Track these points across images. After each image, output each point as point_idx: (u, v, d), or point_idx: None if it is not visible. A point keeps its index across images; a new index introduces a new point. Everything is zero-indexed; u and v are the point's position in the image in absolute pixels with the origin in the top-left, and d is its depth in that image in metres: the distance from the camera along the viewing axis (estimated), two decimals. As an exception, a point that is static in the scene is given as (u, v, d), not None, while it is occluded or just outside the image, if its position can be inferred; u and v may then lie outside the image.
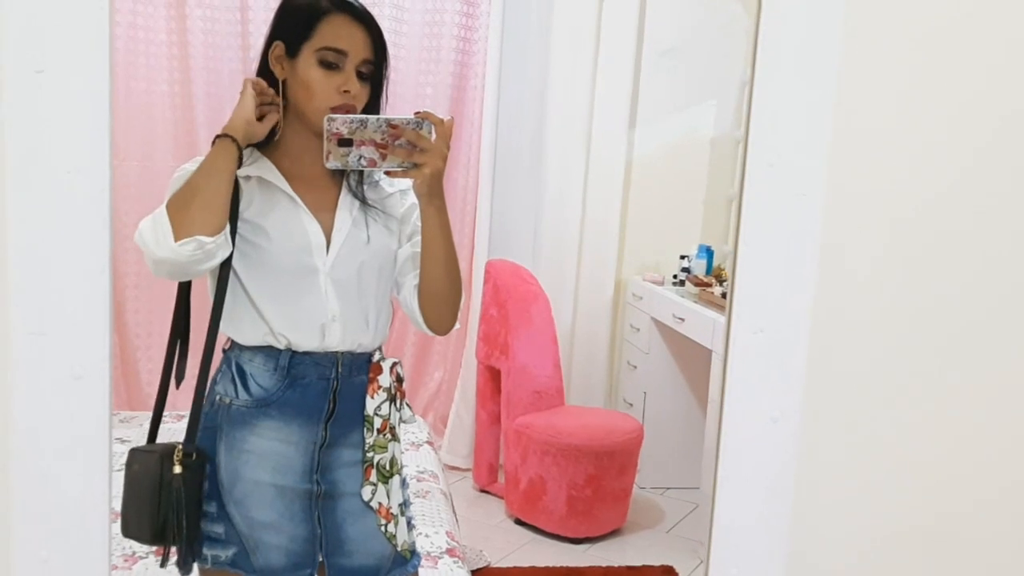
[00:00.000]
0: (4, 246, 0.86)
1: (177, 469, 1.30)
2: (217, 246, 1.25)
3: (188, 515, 1.31)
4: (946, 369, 1.06)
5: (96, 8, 0.81)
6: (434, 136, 1.26)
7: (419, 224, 1.43)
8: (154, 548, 1.37)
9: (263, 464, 1.35)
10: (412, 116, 1.25)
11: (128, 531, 1.34)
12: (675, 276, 3.81)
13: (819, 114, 0.93)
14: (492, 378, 3.48)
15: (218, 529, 1.36)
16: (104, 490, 0.89)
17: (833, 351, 1.01)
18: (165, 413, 1.43)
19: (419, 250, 1.39)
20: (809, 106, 0.92)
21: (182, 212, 1.23)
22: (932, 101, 1.01)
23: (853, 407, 1.03)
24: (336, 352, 1.37)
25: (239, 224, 1.33)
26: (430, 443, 2.92)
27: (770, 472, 0.97)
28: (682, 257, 3.85)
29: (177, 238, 1.21)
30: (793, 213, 0.94)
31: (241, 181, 1.34)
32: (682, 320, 3.39)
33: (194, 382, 1.37)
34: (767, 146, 0.92)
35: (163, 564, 1.35)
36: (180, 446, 1.32)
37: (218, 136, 1.28)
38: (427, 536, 2.19)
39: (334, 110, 1.30)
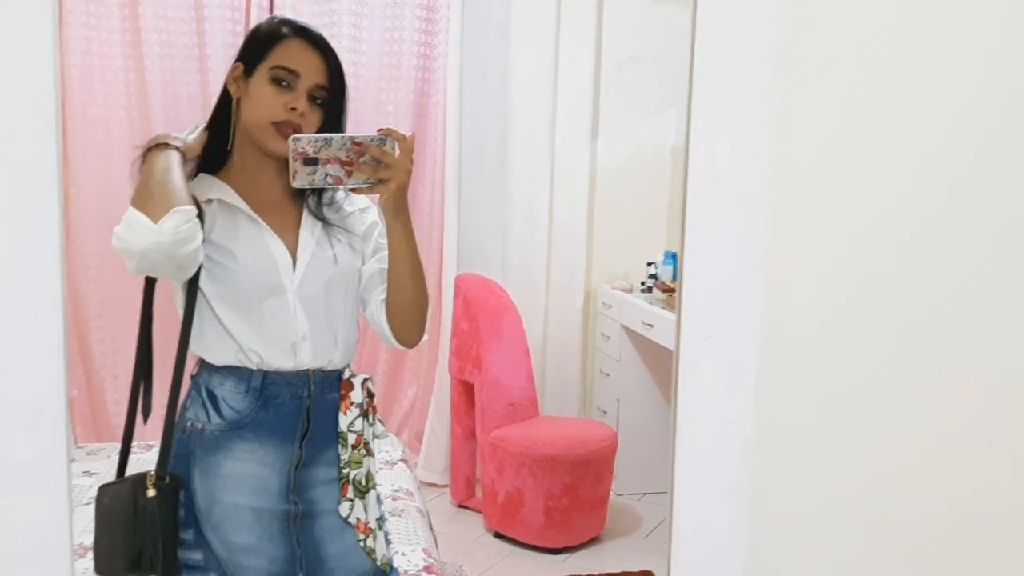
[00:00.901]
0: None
1: (151, 492, 1.29)
2: (197, 225, 1.24)
3: (165, 540, 1.30)
4: (895, 368, 1.08)
5: (42, 43, 0.81)
6: (398, 152, 1.28)
7: (381, 241, 1.45)
8: None
9: (240, 487, 1.35)
10: (375, 133, 1.27)
11: (100, 567, 1.33)
12: (643, 283, 3.84)
13: (759, 120, 0.95)
14: (466, 392, 3.48)
15: (196, 556, 1.35)
16: (65, 526, 0.88)
17: (784, 353, 1.03)
18: (133, 443, 1.41)
19: (385, 266, 1.41)
20: (749, 113, 0.94)
21: (151, 200, 1.22)
22: (871, 106, 1.03)
23: (806, 408, 1.05)
24: (307, 370, 1.38)
25: (205, 246, 1.32)
26: (404, 461, 2.91)
27: (726, 474, 0.98)
28: (649, 264, 3.88)
29: (156, 220, 1.20)
30: (737, 220, 0.96)
31: (203, 205, 1.34)
32: (651, 326, 3.41)
33: (163, 411, 1.36)
34: (708, 155, 0.94)
35: None
36: (152, 471, 1.31)
37: (147, 150, 1.31)
38: (404, 554, 2.18)
39: (278, 126, 1.32)
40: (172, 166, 1.28)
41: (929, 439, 1.09)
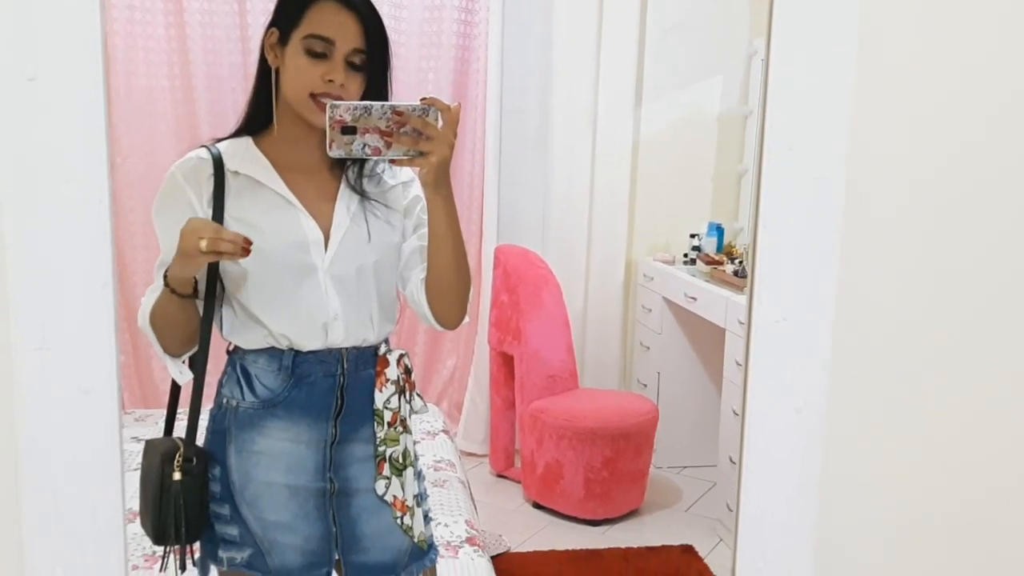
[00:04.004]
0: (3, 261, 0.84)
1: (177, 476, 1.29)
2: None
3: (189, 519, 1.30)
4: (975, 354, 1.02)
5: (88, 12, 0.79)
6: (440, 123, 1.22)
7: (423, 217, 1.40)
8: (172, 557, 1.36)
9: (274, 465, 1.34)
10: (418, 103, 1.21)
11: (142, 522, 1.35)
12: (686, 255, 3.78)
13: (838, 94, 0.89)
14: (505, 363, 3.47)
15: (232, 531, 1.36)
16: (117, 503, 0.88)
17: (858, 338, 0.98)
18: (183, 409, 1.41)
19: (425, 243, 1.36)
20: (827, 86, 0.89)
21: (162, 338, 1.32)
22: (956, 78, 0.97)
23: (880, 395, 1.00)
24: (340, 349, 1.35)
25: (227, 222, 1.30)
26: (446, 431, 2.91)
27: (796, 463, 0.94)
28: (692, 236, 3.82)
29: (168, 353, 1.34)
30: (813, 197, 0.90)
31: (229, 176, 1.31)
32: (694, 299, 3.37)
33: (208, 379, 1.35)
34: (785, 128, 0.89)
35: (162, 568, 1.34)
36: (181, 451, 1.31)
37: (165, 278, 1.29)
38: (446, 525, 2.19)
39: (317, 98, 1.27)
40: (177, 317, 1.31)
41: (1016, 427, 1.04)
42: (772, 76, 0.87)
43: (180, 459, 1.30)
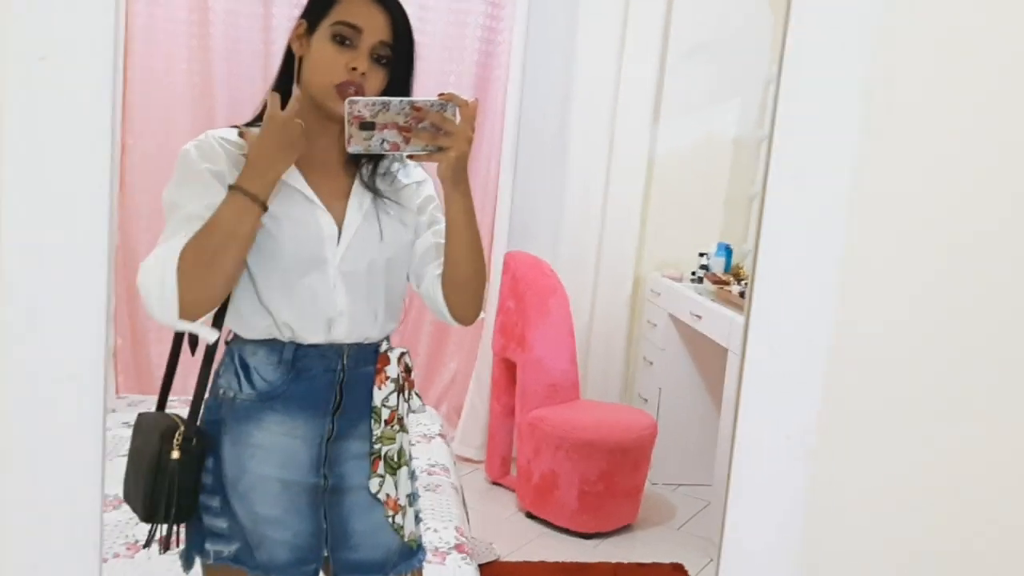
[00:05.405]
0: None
1: (175, 454, 1.28)
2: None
3: (181, 501, 1.29)
4: (970, 391, 1.01)
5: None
6: (458, 118, 1.22)
7: (437, 215, 1.40)
8: (157, 537, 1.35)
9: (269, 459, 1.33)
10: (436, 98, 1.21)
11: (127, 498, 1.33)
12: (693, 273, 3.77)
13: (846, 127, 0.89)
14: (507, 370, 3.46)
15: (221, 524, 1.34)
16: (96, 493, 0.86)
17: (852, 368, 0.97)
18: (176, 398, 1.40)
19: (441, 240, 1.36)
20: (835, 119, 0.88)
21: (193, 282, 1.18)
22: (964, 110, 0.96)
23: (871, 426, 0.99)
24: (342, 344, 1.34)
25: None
26: (442, 435, 2.90)
27: (783, 489, 0.93)
28: (701, 255, 3.80)
29: (182, 315, 1.18)
30: (816, 227, 0.90)
31: None
32: (699, 318, 3.35)
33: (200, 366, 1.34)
34: (791, 157, 0.89)
35: (147, 544, 1.32)
36: (181, 430, 1.29)
37: (239, 189, 1.20)
38: (436, 531, 2.17)
39: (339, 87, 1.26)
40: (243, 236, 1.21)
41: (1009, 465, 1.03)
42: (781, 104, 0.87)
43: (180, 438, 1.29)
